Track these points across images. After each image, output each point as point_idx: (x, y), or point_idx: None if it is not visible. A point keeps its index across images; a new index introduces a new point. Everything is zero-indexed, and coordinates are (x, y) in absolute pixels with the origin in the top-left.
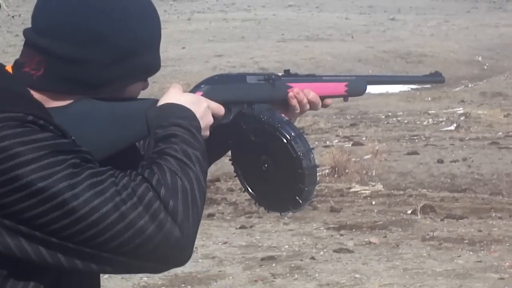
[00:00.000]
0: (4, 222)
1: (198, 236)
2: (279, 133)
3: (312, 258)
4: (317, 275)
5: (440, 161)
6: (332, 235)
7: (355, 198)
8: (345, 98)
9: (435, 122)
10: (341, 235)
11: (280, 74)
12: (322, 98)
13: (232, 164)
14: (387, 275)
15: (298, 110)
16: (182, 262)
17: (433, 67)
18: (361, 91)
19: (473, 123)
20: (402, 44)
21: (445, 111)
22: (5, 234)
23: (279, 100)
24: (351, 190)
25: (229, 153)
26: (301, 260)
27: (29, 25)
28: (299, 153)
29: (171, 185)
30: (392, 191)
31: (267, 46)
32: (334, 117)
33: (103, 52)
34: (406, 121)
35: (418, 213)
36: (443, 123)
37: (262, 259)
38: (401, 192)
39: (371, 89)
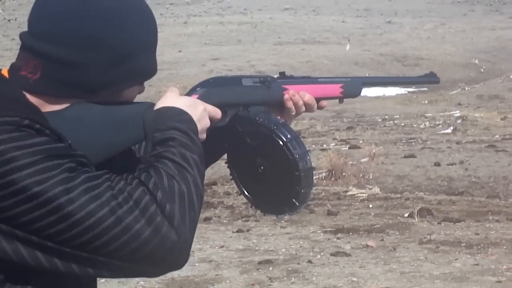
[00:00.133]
0: (0, 227)
1: (194, 240)
2: (275, 135)
3: (309, 261)
4: (314, 278)
5: (437, 164)
6: (329, 239)
7: (352, 201)
8: (341, 99)
9: (432, 125)
10: (338, 238)
11: (275, 76)
12: (318, 100)
13: (228, 167)
14: (384, 278)
15: (294, 112)
16: (179, 265)
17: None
18: (356, 93)
19: (470, 126)
20: (399, 47)
21: (442, 114)
22: (1, 239)
23: (275, 102)
24: (348, 193)
25: (225, 156)
26: (298, 264)
27: (26, 29)
28: (295, 155)
29: (168, 189)
30: (389, 194)
31: (264, 49)
32: (331, 120)
33: (99, 55)
34: (403, 124)
35: (415, 216)
36: (440, 126)
37: (259, 262)
38: (398, 195)
39: (368, 92)
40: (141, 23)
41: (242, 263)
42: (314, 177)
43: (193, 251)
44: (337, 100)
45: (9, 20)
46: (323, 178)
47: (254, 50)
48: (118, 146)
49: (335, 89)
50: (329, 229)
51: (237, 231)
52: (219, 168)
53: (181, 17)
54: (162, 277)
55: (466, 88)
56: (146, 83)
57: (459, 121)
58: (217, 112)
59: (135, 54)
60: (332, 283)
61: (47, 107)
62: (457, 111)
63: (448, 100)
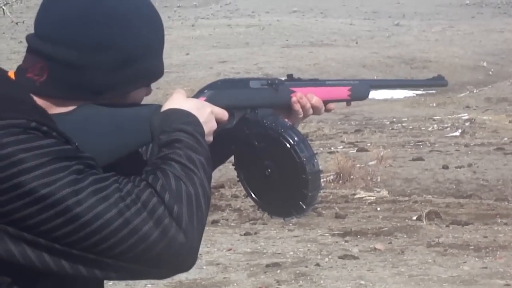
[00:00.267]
0: (7, 229)
1: (202, 242)
2: (283, 138)
3: (317, 264)
4: (322, 281)
5: (445, 167)
6: (337, 242)
7: (360, 204)
8: (348, 102)
9: (440, 128)
10: (346, 241)
11: (283, 78)
12: (325, 102)
13: (235, 169)
14: (392, 281)
15: (302, 115)
16: (187, 267)
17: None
18: (364, 95)
19: (478, 128)
20: (407, 49)
21: (450, 116)
22: (8, 241)
23: (282, 105)
24: (356, 196)
25: (233, 158)
26: (306, 267)
27: (33, 31)
28: (302, 158)
29: (175, 190)
30: (397, 197)
31: (271, 52)
32: (339, 123)
33: (106, 57)
34: (411, 127)
35: (423, 219)
36: (448, 128)
37: (267, 265)
38: (406, 198)
39: (376, 94)
40: (148, 25)
41: (249, 266)
42: (321, 180)
43: (200, 254)
44: (344, 103)
45: (16, 23)
46: (331, 181)
47: (261, 52)
48: (125, 149)
49: (343, 91)
50: (337, 232)
51: (244, 234)
52: (227, 171)
53: (189, 19)
54: (169, 280)
55: (475, 91)
56: (153, 86)
57: (467, 123)
58: (224, 115)
59: (142, 56)
60: (340, 286)
61: (54, 109)
62: (466, 114)
63: (456, 103)
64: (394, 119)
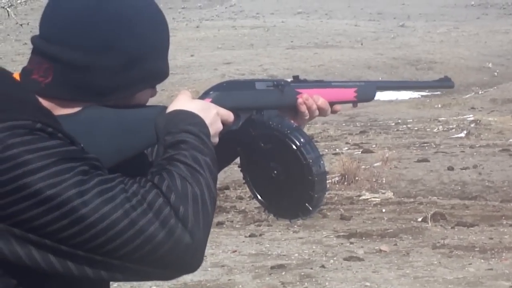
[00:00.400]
0: (13, 231)
1: (207, 244)
2: (289, 139)
3: (322, 266)
4: (327, 283)
5: (451, 169)
6: (342, 243)
7: (365, 205)
8: (355, 104)
9: (445, 129)
10: (351, 243)
11: (289, 80)
12: (331, 104)
13: (241, 171)
14: (397, 283)
15: (308, 116)
16: (192, 268)
17: (443, 73)
18: (370, 97)
19: (483, 130)
20: (412, 50)
21: (455, 118)
22: (14, 243)
23: (288, 106)
24: (361, 197)
25: (238, 160)
26: (311, 269)
27: (38, 33)
28: (308, 159)
29: (181, 191)
30: (402, 198)
31: (276, 53)
32: (344, 124)
33: (111, 59)
34: (416, 128)
35: (429, 221)
36: (453, 130)
37: (272, 267)
38: (411, 200)
39: (381, 96)
40: (153, 26)
41: (254, 268)
42: (327, 182)
43: (205, 256)
44: (349, 104)
45: (21, 25)
46: (336, 182)
47: (266, 54)
48: (131, 150)
49: (349, 93)
50: (342, 233)
51: (249, 236)
52: (232, 172)
53: (193, 21)
54: (174, 281)
55: (480, 92)
56: (158, 87)
57: (472, 125)
58: (230, 116)
59: (147, 57)
60: None
61: (59, 111)
62: (471, 115)
63: (461, 104)
64: (399, 121)
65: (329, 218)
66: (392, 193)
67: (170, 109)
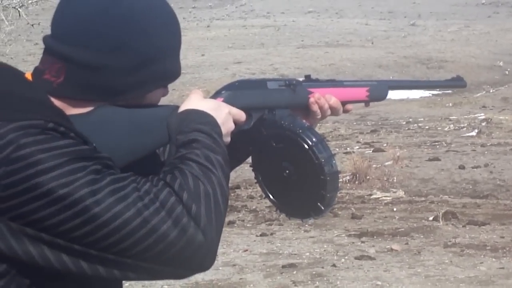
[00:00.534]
0: (26, 230)
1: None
2: (301, 139)
3: (333, 265)
4: (338, 282)
5: (462, 167)
6: (353, 242)
7: (376, 204)
8: (367, 103)
9: (456, 127)
10: (362, 242)
11: (301, 79)
12: (343, 103)
13: (252, 170)
14: (409, 282)
15: (319, 116)
16: (205, 267)
17: (454, 72)
18: (382, 96)
19: (494, 128)
20: (423, 49)
21: (466, 116)
22: (27, 243)
23: (300, 105)
24: (372, 196)
25: (249, 159)
26: (322, 268)
27: (49, 33)
28: (321, 159)
29: (193, 190)
30: (414, 197)
31: (287, 52)
32: (355, 123)
33: (123, 58)
34: (427, 127)
35: (440, 220)
36: (465, 128)
37: (283, 266)
38: (423, 199)
39: (392, 95)
40: (165, 26)
41: (266, 267)
42: (339, 181)
43: (216, 255)
44: (360, 104)
45: (32, 25)
46: (347, 181)
47: (277, 53)
48: (143, 149)
49: (361, 92)
50: (353, 232)
51: (260, 235)
52: (242, 172)
53: (204, 20)
54: (186, 280)
55: (491, 91)
56: (169, 87)
57: (483, 123)
58: (241, 115)
59: (159, 57)
60: (356, 287)
61: (71, 110)
62: (482, 114)
63: (472, 103)
64: (410, 119)
65: (340, 217)
66: (403, 192)
67: (182, 108)
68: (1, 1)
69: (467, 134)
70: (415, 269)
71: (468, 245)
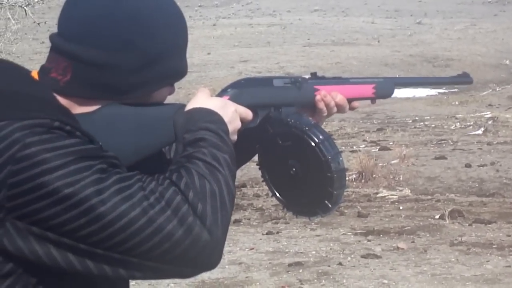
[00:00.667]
0: (32, 230)
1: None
2: (307, 136)
3: (340, 263)
4: (344, 281)
5: (468, 166)
6: (359, 241)
7: (382, 203)
8: (373, 100)
9: (462, 126)
10: (368, 240)
11: (307, 77)
12: (350, 100)
13: (259, 168)
14: (415, 280)
15: (326, 113)
16: (211, 266)
17: (460, 70)
18: (389, 93)
19: (501, 127)
20: (429, 48)
21: (472, 115)
22: (33, 242)
23: (306, 103)
24: (378, 195)
25: (256, 158)
26: (329, 266)
27: (55, 31)
28: (327, 156)
29: (199, 189)
30: (420, 196)
31: (293, 51)
32: (361, 121)
33: (130, 57)
34: (433, 126)
35: (446, 218)
36: (471, 127)
37: (289, 265)
38: (429, 197)
39: (398, 93)
40: (172, 24)
41: (272, 266)
42: (346, 179)
43: (223, 254)
44: (366, 102)
45: (38, 24)
46: (353, 180)
47: (283, 51)
48: (149, 148)
49: (368, 89)
50: (359, 231)
51: (267, 233)
52: (249, 170)
53: (210, 19)
54: (192, 279)
55: (497, 89)
56: (175, 86)
57: (490, 122)
58: (248, 113)
59: (165, 55)
60: (362, 285)
61: (78, 109)
62: (488, 112)
63: (478, 101)
64: (417, 118)
65: (347, 216)
66: (409, 191)
67: (189, 107)
68: (8, 0)
69: (473, 133)
70: (421, 267)
71: (474, 244)
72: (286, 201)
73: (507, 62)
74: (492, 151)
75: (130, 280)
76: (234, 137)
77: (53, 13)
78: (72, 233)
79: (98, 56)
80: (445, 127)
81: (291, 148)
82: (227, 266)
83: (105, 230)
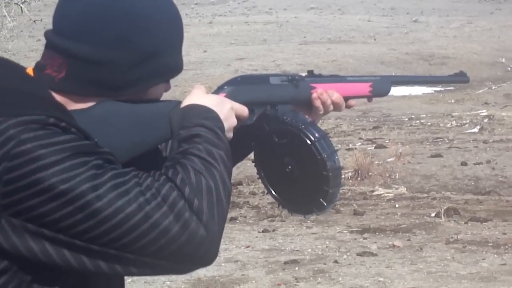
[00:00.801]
0: (27, 226)
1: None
2: (303, 134)
3: (336, 261)
4: (340, 278)
5: (464, 164)
6: (355, 239)
7: (378, 201)
8: (370, 98)
9: (458, 124)
10: (364, 238)
11: (303, 75)
12: (346, 98)
13: (255, 166)
14: (411, 278)
15: (322, 111)
16: (208, 261)
17: (456, 69)
18: (385, 92)
19: (496, 125)
20: (425, 46)
21: (468, 113)
22: (28, 238)
23: (303, 101)
24: (374, 193)
25: (252, 155)
26: (325, 264)
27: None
28: (323, 154)
29: (195, 184)
30: (416, 194)
31: (289, 48)
32: (357, 119)
33: (125, 53)
34: (429, 124)
35: (442, 216)
36: (467, 125)
37: (285, 262)
38: (425, 195)
39: (394, 91)
40: (167, 21)
41: (268, 263)
42: (342, 177)
43: (219, 250)
44: (362, 100)
45: (34, 21)
46: (349, 178)
47: (279, 49)
48: (145, 144)
49: (364, 88)
50: (355, 229)
51: (262, 231)
52: (245, 168)
53: (206, 17)
54: (188, 277)
55: (493, 87)
56: (171, 84)
57: (486, 120)
58: (244, 111)
59: (161, 52)
60: (358, 283)
61: (73, 106)
62: (484, 110)
63: (474, 99)
64: (413, 116)
65: (342, 214)
66: (405, 189)
67: (185, 103)
68: None
69: (469, 131)
70: (417, 265)
71: (470, 242)
72: (282, 199)
73: (503, 60)
74: (488, 149)
75: (126, 277)
76: (230, 134)
77: (49, 10)
78: (68, 230)
79: (93, 52)
80: (441, 125)
81: (287, 146)
82: (223, 264)
83: (101, 226)
